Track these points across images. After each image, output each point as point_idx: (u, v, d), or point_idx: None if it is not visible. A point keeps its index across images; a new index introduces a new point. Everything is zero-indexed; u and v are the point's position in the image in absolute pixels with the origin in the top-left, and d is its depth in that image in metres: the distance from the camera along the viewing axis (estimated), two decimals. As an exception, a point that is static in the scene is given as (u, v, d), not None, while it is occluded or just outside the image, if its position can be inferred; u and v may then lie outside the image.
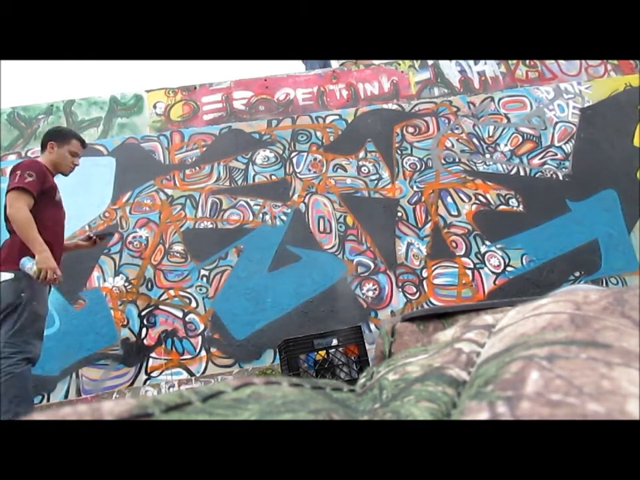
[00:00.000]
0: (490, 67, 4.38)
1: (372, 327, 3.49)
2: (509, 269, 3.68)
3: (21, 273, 2.26)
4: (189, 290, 3.53)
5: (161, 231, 3.68)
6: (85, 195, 3.70)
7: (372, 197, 3.86)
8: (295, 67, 4.29)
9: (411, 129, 4.08)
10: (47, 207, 2.40)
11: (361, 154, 3.98)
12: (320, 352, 2.55)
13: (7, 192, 2.28)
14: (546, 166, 4.01)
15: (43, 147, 2.60)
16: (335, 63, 4.53)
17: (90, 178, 3.79)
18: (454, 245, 3.74)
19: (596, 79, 4.34)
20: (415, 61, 4.36)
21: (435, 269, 3.67)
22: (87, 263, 3.51)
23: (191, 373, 3.32)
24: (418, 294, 3.60)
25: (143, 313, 3.47)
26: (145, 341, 3.40)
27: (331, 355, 2.55)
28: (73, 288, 3.39)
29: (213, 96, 4.16)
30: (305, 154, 3.98)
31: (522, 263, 3.70)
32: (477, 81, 4.32)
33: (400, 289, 3.62)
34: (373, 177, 3.92)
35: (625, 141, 4.10)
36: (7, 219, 2.33)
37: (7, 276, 2.24)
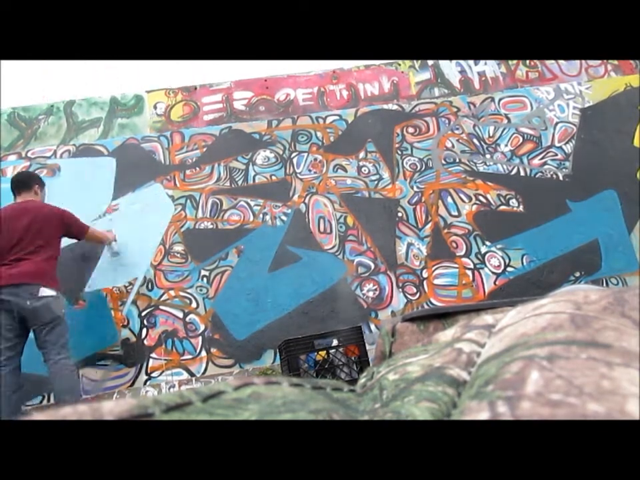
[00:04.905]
0: (490, 67, 4.38)
1: (372, 327, 3.49)
2: (509, 269, 3.68)
3: (60, 293, 2.82)
4: (189, 290, 3.53)
5: (161, 232, 3.69)
6: (86, 196, 3.70)
7: (372, 198, 3.86)
8: (296, 67, 4.29)
9: (411, 129, 4.08)
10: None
11: (361, 154, 3.98)
12: (320, 352, 2.55)
13: (86, 231, 3.12)
14: (546, 166, 4.00)
15: (29, 188, 3.02)
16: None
17: (90, 178, 3.79)
18: (454, 245, 3.74)
19: (596, 79, 4.34)
20: (415, 61, 4.36)
21: (435, 269, 3.67)
22: (87, 263, 3.51)
23: (191, 374, 3.32)
24: (418, 294, 3.60)
25: (143, 314, 3.47)
26: (145, 342, 3.39)
27: (331, 355, 2.54)
28: (73, 288, 3.39)
29: (213, 96, 4.17)
30: (305, 154, 3.98)
31: (522, 263, 3.70)
32: (477, 81, 4.32)
33: (400, 289, 3.61)
34: (373, 178, 3.92)
35: (625, 141, 4.10)
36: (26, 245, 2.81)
37: (51, 292, 2.72)
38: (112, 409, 0.17)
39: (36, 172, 3.77)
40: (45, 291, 2.69)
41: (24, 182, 3.02)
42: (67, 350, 2.74)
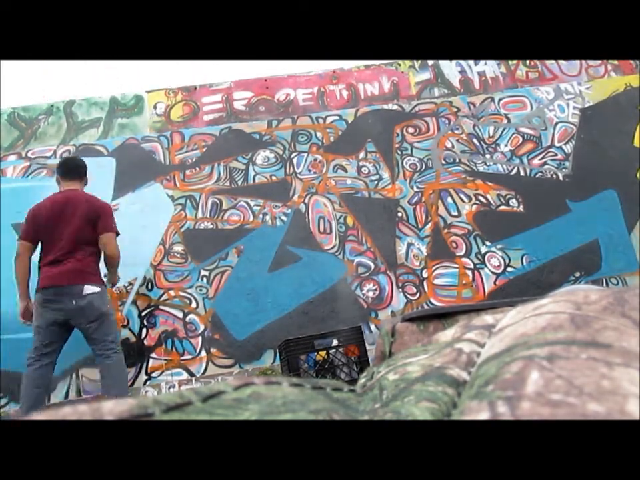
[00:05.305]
0: (490, 67, 4.38)
1: (372, 327, 3.49)
2: (509, 269, 3.68)
3: (103, 287, 2.80)
4: (189, 290, 3.53)
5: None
6: (85, 196, 3.69)
7: (372, 198, 3.86)
8: (296, 67, 4.29)
9: (411, 130, 4.08)
10: None
11: (361, 154, 3.98)
12: (320, 352, 2.55)
13: (108, 232, 2.80)
14: (546, 166, 4.00)
15: (80, 178, 2.95)
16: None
17: (90, 178, 3.78)
18: (454, 245, 3.74)
19: (596, 79, 4.34)
20: (415, 61, 4.36)
21: (435, 269, 3.67)
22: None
23: (191, 374, 3.32)
24: (418, 294, 3.60)
25: (143, 314, 3.47)
26: (145, 342, 3.39)
27: (331, 356, 2.55)
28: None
29: (213, 96, 4.17)
30: (305, 154, 3.98)
31: (522, 263, 3.70)
32: (477, 81, 4.32)
33: (400, 290, 3.61)
34: (373, 178, 3.92)
35: (625, 141, 4.10)
36: (71, 249, 2.72)
37: (94, 289, 2.70)
38: (112, 408, 0.17)
39: (35, 172, 3.78)
40: (89, 289, 2.67)
41: (76, 170, 2.94)
42: (117, 344, 2.74)
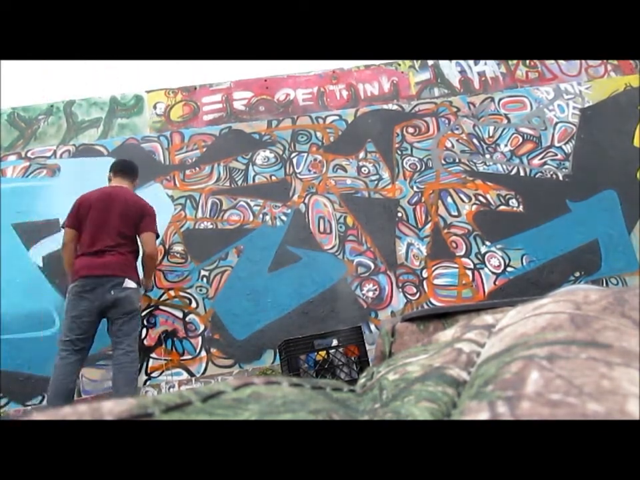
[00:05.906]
0: (490, 67, 4.38)
1: (372, 327, 3.49)
2: (509, 269, 3.68)
3: (139, 287, 2.84)
4: (189, 290, 3.53)
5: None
6: (85, 196, 3.69)
7: (372, 198, 3.86)
8: (296, 67, 4.29)
9: (411, 130, 4.08)
10: None
11: (361, 154, 3.98)
12: (320, 352, 2.55)
13: (150, 231, 2.86)
14: (546, 166, 4.00)
15: (131, 180, 3.00)
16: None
17: (90, 179, 3.78)
18: (454, 245, 3.74)
19: (596, 79, 4.34)
20: (415, 61, 4.36)
21: (435, 269, 3.67)
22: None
23: (191, 374, 3.32)
24: (418, 294, 3.60)
25: (143, 314, 3.47)
26: (145, 342, 3.39)
27: (331, 356, 2.55)
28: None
29: (213, 96, 4.17)
30: (305, 154, 3.98)
31: (522, 263, 3.70)
32: (477, 81, 4.32)
33: (400, 290, 3.61)
34: (373, 178, 3.91)
35: (625, 141, 4.10)
36: (113, 245, 2.75)
37: (133, 284, 2.75)
38: (112, 408, 0.17)
39: (35, 172, 3.78)
40: (129, 283, 2.71)
41: (131, 171, 2.99)
42: (137, 343, 2.76)
